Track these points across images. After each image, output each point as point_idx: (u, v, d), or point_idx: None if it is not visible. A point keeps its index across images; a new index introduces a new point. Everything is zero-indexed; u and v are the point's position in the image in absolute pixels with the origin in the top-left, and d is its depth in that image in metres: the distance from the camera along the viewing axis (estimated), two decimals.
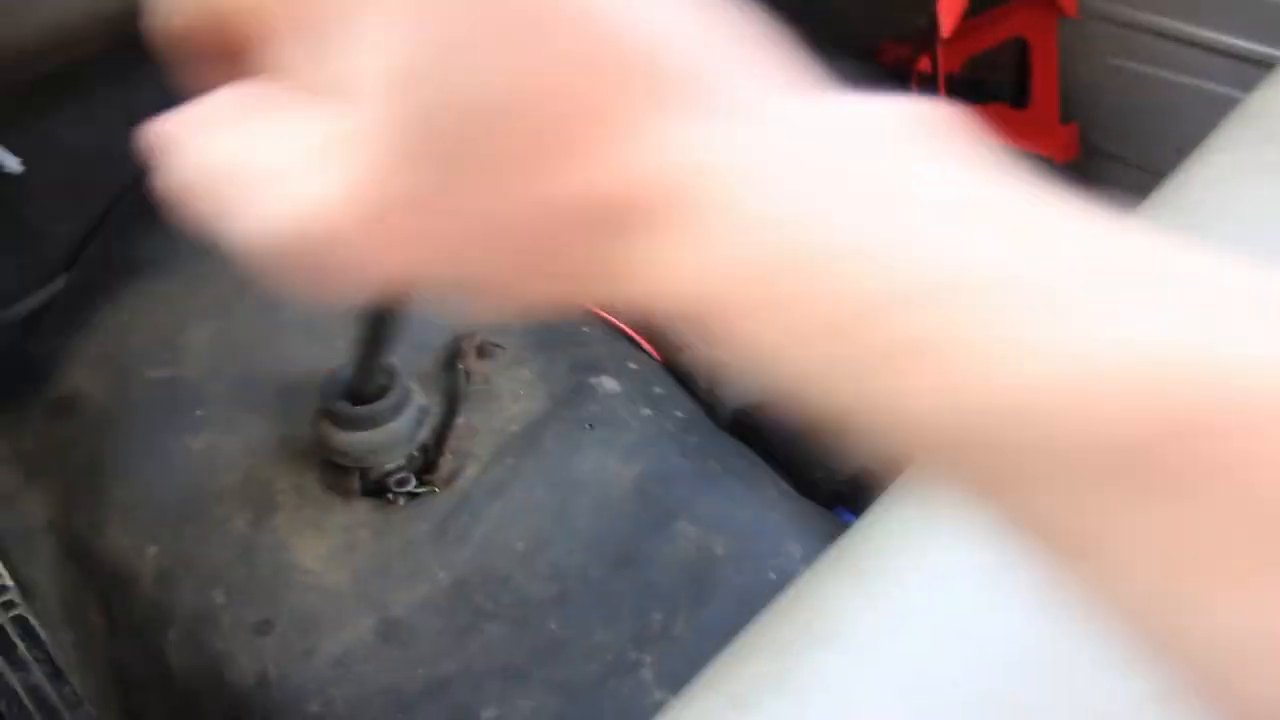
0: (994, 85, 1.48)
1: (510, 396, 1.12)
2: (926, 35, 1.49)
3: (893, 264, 0.22)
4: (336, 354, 1.15)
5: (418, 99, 0.24)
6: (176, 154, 0.28)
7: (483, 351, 1.14)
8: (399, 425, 1.00)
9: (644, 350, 1.24)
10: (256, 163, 0.26)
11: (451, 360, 1.14)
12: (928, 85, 1.49)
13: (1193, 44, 1.34)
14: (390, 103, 0.24)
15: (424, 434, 1.04)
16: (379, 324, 0.77)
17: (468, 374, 1.12)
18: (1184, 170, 0.96)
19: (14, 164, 1.03)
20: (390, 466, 1.04)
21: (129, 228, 1.15)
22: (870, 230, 0.23)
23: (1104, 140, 1.48)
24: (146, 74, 1.09)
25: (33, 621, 1.11)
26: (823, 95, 0.26)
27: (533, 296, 0.27)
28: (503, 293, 0.27)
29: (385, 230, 0.25)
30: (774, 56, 0.26)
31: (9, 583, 1.12)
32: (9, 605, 1.12)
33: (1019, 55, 1.48)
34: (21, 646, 1.11)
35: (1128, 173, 1.48)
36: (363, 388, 0.96)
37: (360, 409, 0.98)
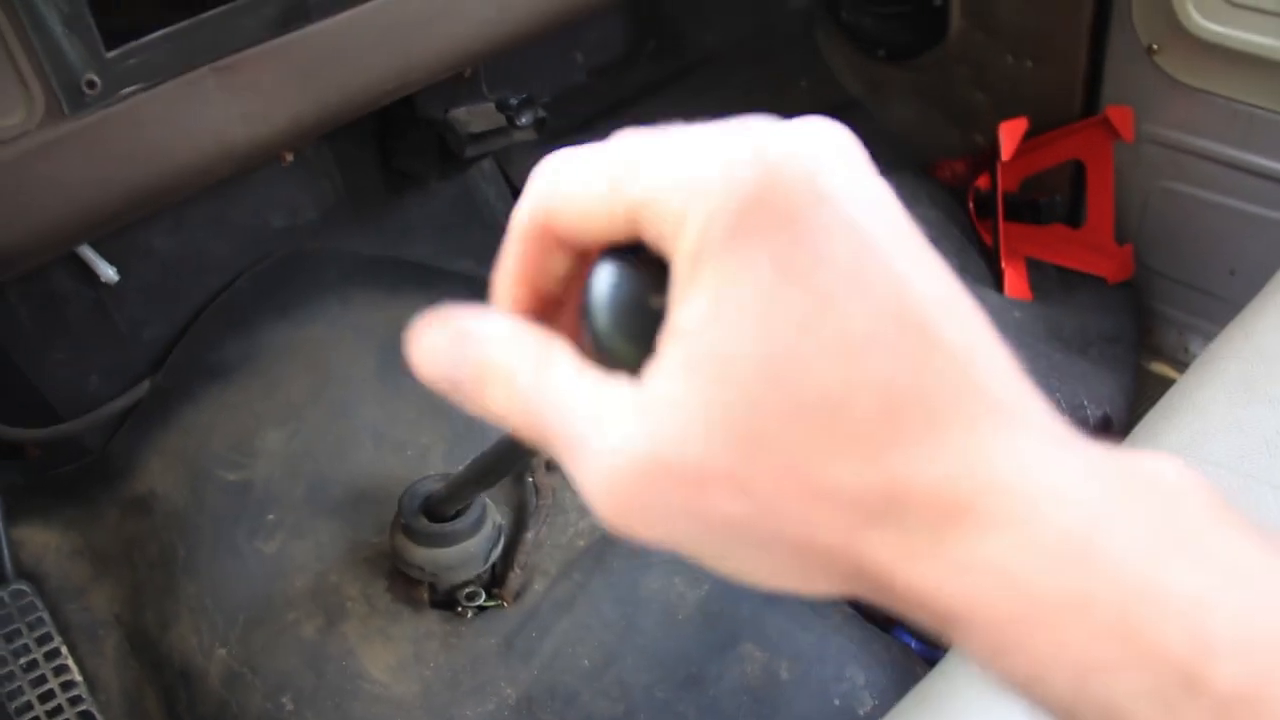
0: (1050, 205, 1.51)
1: (577, 512, 1.14)
2: (984, 154, 1.52)
3: (1219, 614, 0.24)
4: (407, 464, 1.17)
5: (736, 380, 0.25)
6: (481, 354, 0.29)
7: (550, 466, 1.16)
8: (475, 544, 1.02)
9: None
10: (573, 406, 0.28)
11: (520, 474, 1.15)
12: (985, 203, 1.51)
13: (1247, 170, 1.36)
14: (709, 379, 0.26)
15: (498, 552, 1.05)
16: (492, 467, 0.78)
17: (536, 489, 1.14)
18: (1258, 305, 0.97)
19: (110, 273, 1.06)
20: (461, 580, 1.06)
21: (212, 334, 1.18)
22: (1187, 576, 0.24)
23: (1158, 261, 1.49)
24: (232, 188, 1.13)
25: (98, 716, 1.13)
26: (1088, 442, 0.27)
27: (790, 582, 0.27)
28: (762, 575, 0.28)
29: (664, 499, 0.26)
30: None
31: (78, 678, 1.14)
32: (76, 700, 1.13)
33: (1075, 176, 1.51)
34: None
35: (1181, 293, 1.50)
36: (447, 508, 0.98)
37: (439, 526, 1.00)
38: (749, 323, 0.25)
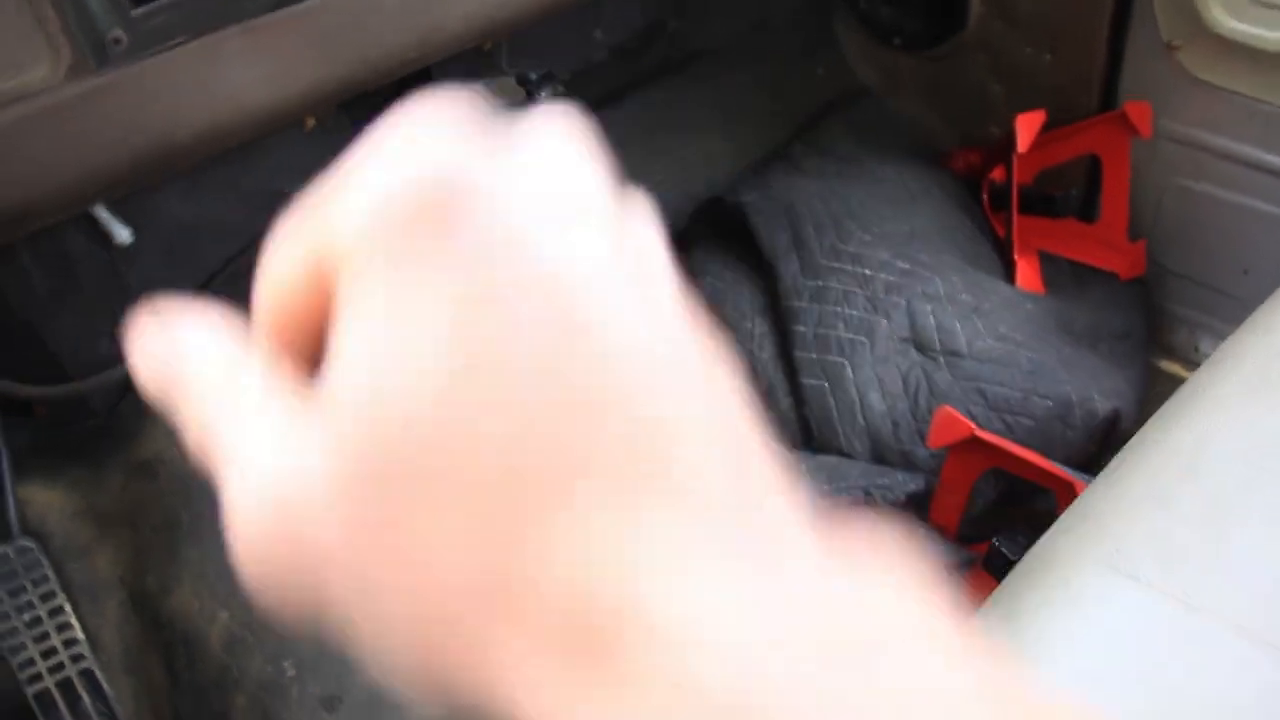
0: (1064, 199, 1.50)
1: None
2: (999, 145, 1.52)
3: None
4: None
5: (376, 419, 0.21)
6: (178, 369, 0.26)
7: None
8: None
9: None
10: (234, 434, 0.24)
11: None
12: (999, 195, 1.51)
13: (1265, 170, 1.36)
14: (338, 409, 0.22)
15: None
16: None
17: None
18: (1274, 303, 0.96)
19: (124, 235, 1.06)
20: None
21: (224, 300, 1.18)
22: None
23: (1171, 259, 1.49)
24: (248, 153, 1.13)
25: (99, 675, 1.13)
26: (814, 539, 0.22)
27: (412, 669, 0.22)
28: (389, 670, 0.23)
29: (290, 544, 0.22)
30: (776, 475, 0.22)
31: (80, 636, 1.14)
32: (78, 658, 1.14)
33: (1090, 171, 1.51)
34: (86, 699, 1.13)
35: (1194, 291, 1.50)
36: None
37: None
38: (370, 339, 0.22)
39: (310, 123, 0.90)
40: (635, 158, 1.55)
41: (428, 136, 0.23)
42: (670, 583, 0.20)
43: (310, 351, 0.25)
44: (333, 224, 0.23)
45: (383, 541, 0.21)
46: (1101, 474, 0.84)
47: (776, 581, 0.21)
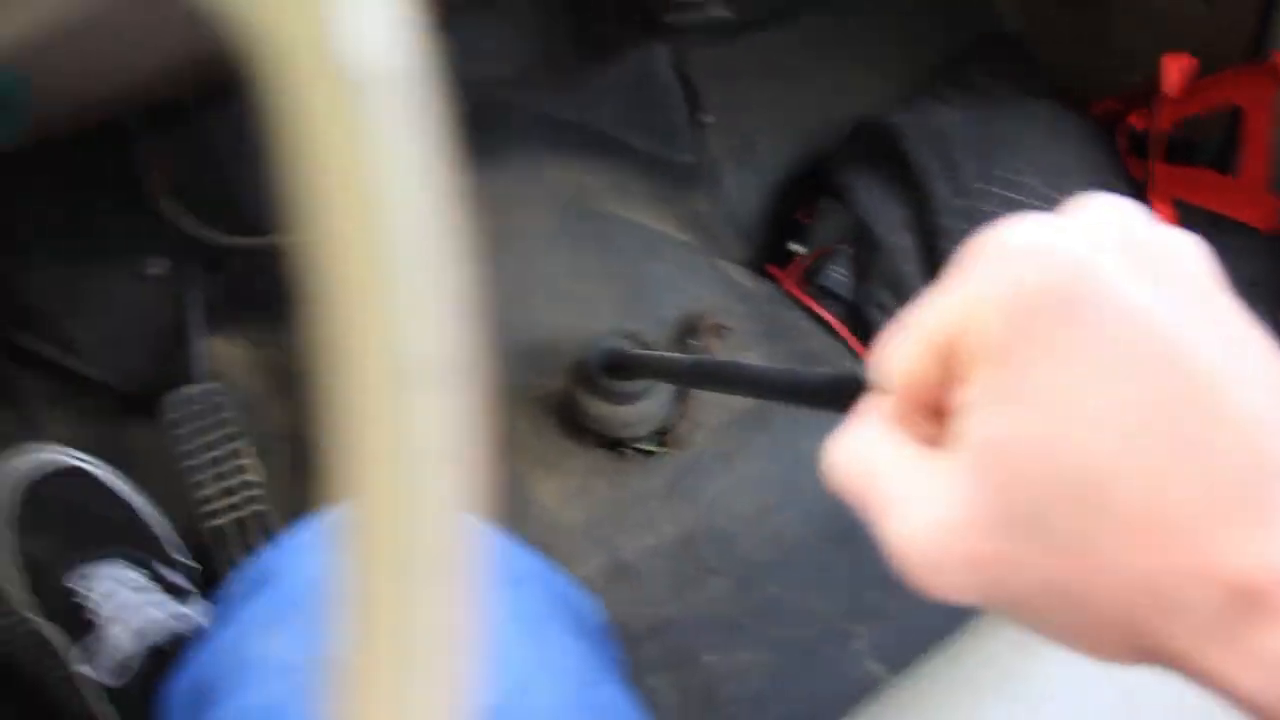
0: (1205, 148, 1.52)
1: None
2: (1141, 91, 1.54)
3: None
4: (579, 317, 1.23)
5: (1010, 464, 0.27)
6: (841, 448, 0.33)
7: (715, 332, 1.21)
8: (652, 404, 1.07)
9: (853, 351, 1.31)
10: (890, 483, 0.31)
11: (684, 335, 1.21)
12: (1138, 141, 1.54)
13: None
14: (989, 466, 0.28)
15: (672, 413, 1.11)
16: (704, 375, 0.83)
17: (701, 350, 1.19)
18: None
19: None
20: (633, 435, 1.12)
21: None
22: None
23: None
24: (439, 36, 1.18)
25: (271, 518, 1.20)
26: None
27: (1085, 650, 0.29)
28: (1055, 639, 0.29)
29: (965, 569, 0.28)
30: None
31: (255, 479, 1.22)
32: (252, 500, 1.21)
33: (1231, 121, 1.52)
34: (258, 539, 1.20)
35: None
36: (634, 372, 1.03)
37: (623, 384, 1.06)
38: (1018, 409, 0.27)
39: None
40: (775, 86, 1.57)
41: (1040, 231, 0.29)
42: None
43: (931, 412, 0.32)
44: (967, 309, 0.30)
45: (1047, 543, 0.27)
46: None
47: None
